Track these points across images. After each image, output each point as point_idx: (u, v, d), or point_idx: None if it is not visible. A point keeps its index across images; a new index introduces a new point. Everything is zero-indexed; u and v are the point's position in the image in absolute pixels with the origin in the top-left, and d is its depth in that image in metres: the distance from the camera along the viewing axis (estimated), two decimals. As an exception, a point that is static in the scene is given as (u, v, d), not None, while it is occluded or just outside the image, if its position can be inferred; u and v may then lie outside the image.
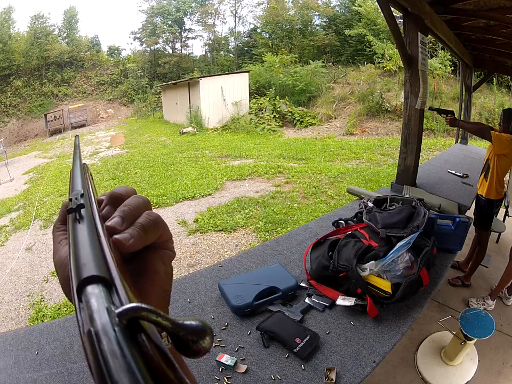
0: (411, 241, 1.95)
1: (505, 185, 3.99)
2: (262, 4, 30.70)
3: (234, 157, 11.35)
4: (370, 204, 2.60)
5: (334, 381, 1.44)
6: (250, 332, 1.68)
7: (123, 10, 66.91)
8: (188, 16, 32.92)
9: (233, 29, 32.90)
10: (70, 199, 0.42)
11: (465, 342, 2.99)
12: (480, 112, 15.19)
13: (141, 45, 33.05)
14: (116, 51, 32.69)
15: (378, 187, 7.61)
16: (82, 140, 16.87)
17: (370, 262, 1.91)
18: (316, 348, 1.59)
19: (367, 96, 16.81)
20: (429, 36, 4.35)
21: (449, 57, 16.44)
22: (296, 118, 16.98)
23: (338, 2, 28.07)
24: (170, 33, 31.69)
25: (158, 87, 25.20)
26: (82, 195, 0.42)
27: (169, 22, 31.61)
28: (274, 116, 17.05)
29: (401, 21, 3.58)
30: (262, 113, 17.32)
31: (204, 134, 16.28)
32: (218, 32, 33.78)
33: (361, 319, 1.82)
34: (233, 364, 1.47)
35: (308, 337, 1.59)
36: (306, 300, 1.91)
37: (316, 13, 27.85)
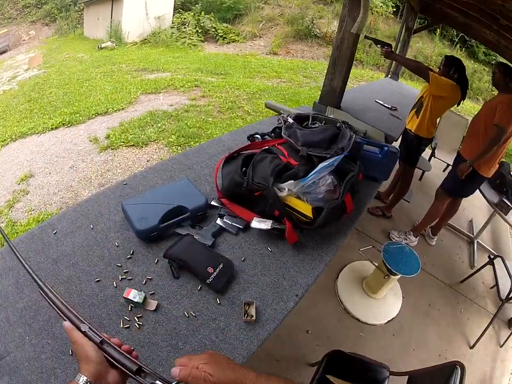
0: (335, 164, 1.81)
1: (436, 127, 4.04)
2: None
3: (151, 71, 10.81)
4: (290, 120, 2.42)
5: (254, 317, 1.30)
6: (157, 260, 1.47)
7: None
8: None
9: None
10: None
11: (389, 276, 3.01)
12: (415, 55, 15.51)
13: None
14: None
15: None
16: (2, 66, 15.66)
17: (289, 182, 1.73)
18: (230, 277, 1.43)
19: (297, 20, 16.41)
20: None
21: (394, -2, 16.54)
22: (219, 34, 16.47)
23: None
24: None
25: (82, 3, 23.14)
26: None
27: None
28: (197, 31, 16.43)
29: None
30: (185, 27, 16.60)
31: (122, 48, 15.37)
32: None
33: (280, 245, 1.67)
34: (142, 301, 1.27)
35: (221, 266, 1.41)
36: (218, 221, 1.71)
37: None
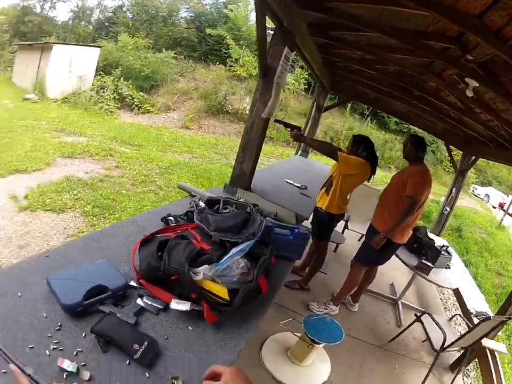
0: (247, 249, 1.95)
1: (347, 203, 4.24)
2: (136, -18, 29.79)
3: (69, 133, 10.88)
4: (202, 204, 2.55)
5: (181, 391, 1.35)
6: (85, 334, 1.48)
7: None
8: (64, -24, 30.62)
9: (101, 1, 31.94)
10: None
11: (313, 345, 3.09)
12: (326, 131, 16.41)
13: (16, -3, 30.05)
14: (-11, 0, 29.36)
15: (209, 184, 8.03)
16: None
17: (204, 266, 1.84)
18: (156, 354, 1.47)
19: (211, 95, 17.44)
20: (295, 52, 4.43)
21: (306, 76, 17.46)
22: (135, 103, 17.07)
23: (211, 2, 28.62)
24: (42, -10, 29.02)
25: (16, 46, 22.79)
26: None
27: (46, -21, 28.98)
28: (114, 97, 16.87)
29: (271, 32, 3.61)
30: (103, 92, 16.96)
31: (44, 103, 15.32)
32: (88, 0, 32.25)
33: (200, 324, 1.74)
34: (75, 371, 1.29)
35: (146, 344, 1.46)
36: (139, 301, 1.75)
37: (185, 5, 28.07)
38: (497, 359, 4.14)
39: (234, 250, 1.93)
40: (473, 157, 7.52)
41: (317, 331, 3.07)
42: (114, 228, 2.44)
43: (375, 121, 18.97)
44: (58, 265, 1.85)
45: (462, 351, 4.07)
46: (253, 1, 3.04)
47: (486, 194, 24.34)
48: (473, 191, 24.34)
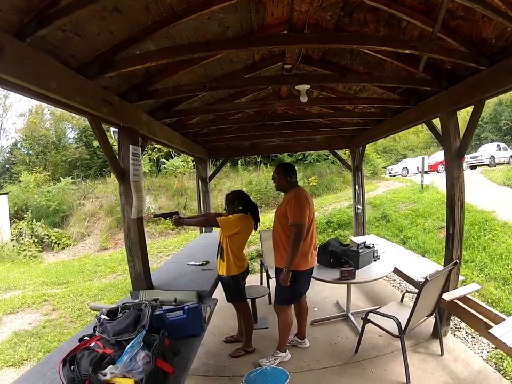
0: (140, 340, 2.24)
1: (246, 258, 4.32)
2: (24, 115, 29.17)
3: (5, 289, 10.79)
4: (103, 316, 2.79)
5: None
6: None
7: None
8: None
9: (-5, 142, 29.82)
10: None
11: None
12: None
13: None
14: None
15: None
16: None
17: (109, 367, 2.15)
18: None
19: (115, 208, 17.22)
20: (151, 142, 4.74)
21: (191, 153, 17.80)
22: (53, 241, 16.55)
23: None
24: None
25: None
26: None
27: None
28: (34, 241, 16.37)
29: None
30: (22, 239, 16.42)
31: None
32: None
33: None
34: None
35: None
36: None
37: (69, 125, 27.62)
38: (475, 300, 4.15)
39: (128, 346, 2.27)
40: (361, 147, 7.89)
41: (261, 384, 3.11)
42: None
43: (269, 164, 19.24)
44: None
45: (431, 317, 4.16)
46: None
47: (403, 168, 24.31)
48: (389, 172, 24.41)
